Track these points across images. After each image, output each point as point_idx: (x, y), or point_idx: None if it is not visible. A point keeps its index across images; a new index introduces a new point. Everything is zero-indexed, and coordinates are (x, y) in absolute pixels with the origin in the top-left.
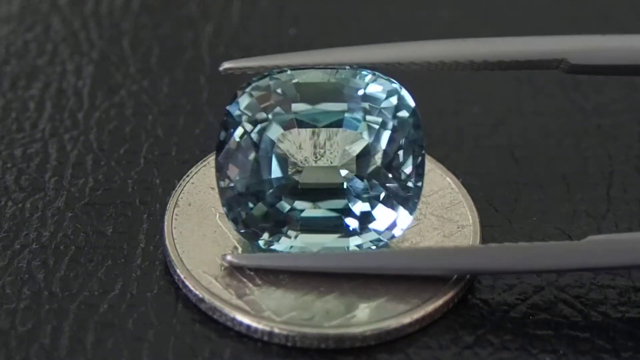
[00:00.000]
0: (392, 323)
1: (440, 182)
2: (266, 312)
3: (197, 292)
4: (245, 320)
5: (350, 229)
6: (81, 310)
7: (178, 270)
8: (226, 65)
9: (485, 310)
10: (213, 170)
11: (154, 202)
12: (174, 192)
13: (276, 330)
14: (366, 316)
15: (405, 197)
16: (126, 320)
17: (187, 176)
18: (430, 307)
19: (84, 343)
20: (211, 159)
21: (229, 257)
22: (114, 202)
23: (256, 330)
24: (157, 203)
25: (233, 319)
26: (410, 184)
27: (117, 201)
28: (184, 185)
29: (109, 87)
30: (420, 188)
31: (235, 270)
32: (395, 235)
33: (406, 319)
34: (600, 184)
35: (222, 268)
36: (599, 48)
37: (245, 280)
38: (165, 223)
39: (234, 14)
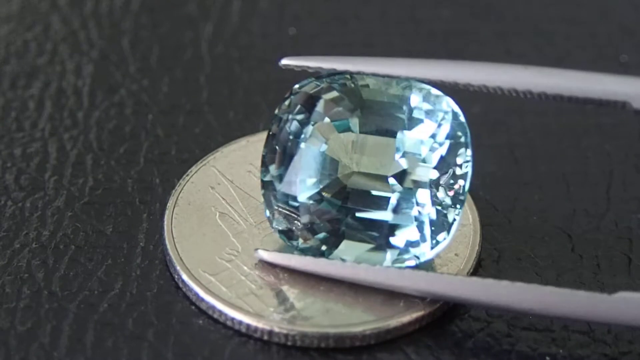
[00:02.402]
0: (392, 322)
1: None
2: (266, 311)
3: (196, 291)
4: (245, 319)
5: (387, 242)
6: (81, 309)
7: (178, 269)
8: (285, 61)
9: (485, 309)
10: (213, 169)
11: (153, 202)
12: (173, 191)
13: (276, 330)
14: (366, 315)
15: (446, 219)
16: (126, 319)
17: (187, 175)
18: (430, 306)
19: (84, 342)
20: (211, 158)
21: (260, 252)
22: (113, 202)
23: (256, 329)
24: (157, 202)
25: (233, 318)
26: (453, 208)
27: (117, 200)
28: (184, 185)
29: (108, 87)
30: (460, 212)
31: (234, 269)
32: (431, 256)
33: (406, 318)
34: (600, 183)
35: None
36: None
37: (244, 279)
38: (165, 222)
39: (234, 14)
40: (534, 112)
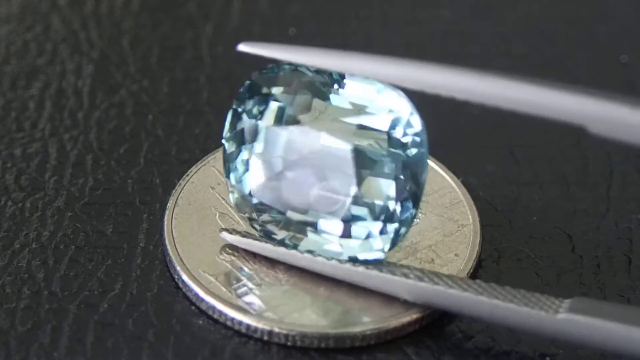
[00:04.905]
0: (392, 322)
1: (440, 182)
2: (266, 311)
3: (197, 292)
4: (245, 319)
5: (345, 236)
6: (81, 309)
7: (178, 270)
8: (242, 47)
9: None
10: (213, 169)
11: (154, 202)
12: (173, 191)
13: (276, 330)
14: (366, 315)
15: (404, 215)
16: (126, 320)
17: (187, 176)
18: (430, 307)
19: (84, 343)
20: (211, 159)
21: (224, 234)
22: (113, 202)
23: (256, 329)
24: (157, 203)
25: (233, 319)
26: (410, 203)
27: (117, 201)
28: (184, 185)
29: (109, 87)
30: (417, 208)
31: (234, 270)
32: (387, 251)
33: (406, 318)
34: (600, 184)
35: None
36: (624, 122)
37: (245, 279)
38: (165, 222)
39: (234, 14)
40: None
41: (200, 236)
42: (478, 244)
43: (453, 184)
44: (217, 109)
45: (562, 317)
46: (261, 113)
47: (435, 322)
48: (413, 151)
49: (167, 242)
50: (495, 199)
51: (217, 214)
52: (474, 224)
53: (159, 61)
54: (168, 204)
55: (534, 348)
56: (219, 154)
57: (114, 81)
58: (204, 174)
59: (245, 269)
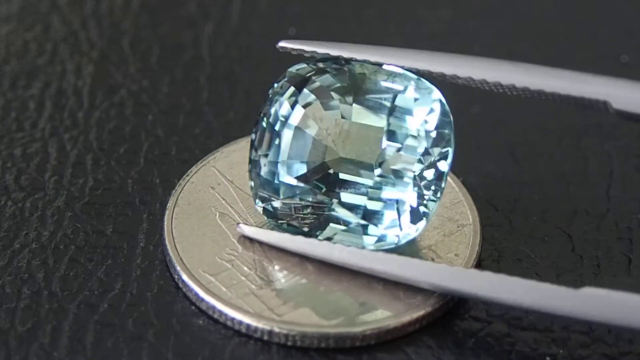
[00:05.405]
0: (393, 322)
1: None
2: (266, 311)
3: (197, 292)
4: (245, 319)
5: (368, 226)
6: (81, 309)
7: (178, 270)
8: (282, 44)
9: (485, 309)
10: (213, 169)
11: (154, 202)
12: (173, 191)
13: (276, 330)
14: (366, 315)
15: (426, 206)
16: (126, 320)
17: (187, 176)
18: (430, 306)
19: (84, 343)
20: (211, 159)
21: (241, 226)
22: (113, 202)
23: (256, 329)
24: (157, 203)
25: (233, 319)
26: (433, 197)
27: (117, 201)
28: (184, 185)
29: (108, 87)
30: (439, 200)
31: (234, 270)
32: (405, 241)
33: (406, 318)
34: (600, 183)
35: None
36: None
37: (244, 279)
38: (165, 222)
39: (234, 14)
40: (534, 112)
41: (200, 236)
42: (478, 244)
43: (453, 184)
44: (217, 109)
45: (584, 291)
46: (292, 109)
47: (436, 321)
48: (440, 144)
49: (167, 242)
50: (495, 199)
51: (217, 214)
52: (474, 223)
53: (159, 61)
54: (168, 204)
55: (534, 348)
56: (219, 154)
57: (114, 81)
58: (204, 174)
59: (245, 268)
